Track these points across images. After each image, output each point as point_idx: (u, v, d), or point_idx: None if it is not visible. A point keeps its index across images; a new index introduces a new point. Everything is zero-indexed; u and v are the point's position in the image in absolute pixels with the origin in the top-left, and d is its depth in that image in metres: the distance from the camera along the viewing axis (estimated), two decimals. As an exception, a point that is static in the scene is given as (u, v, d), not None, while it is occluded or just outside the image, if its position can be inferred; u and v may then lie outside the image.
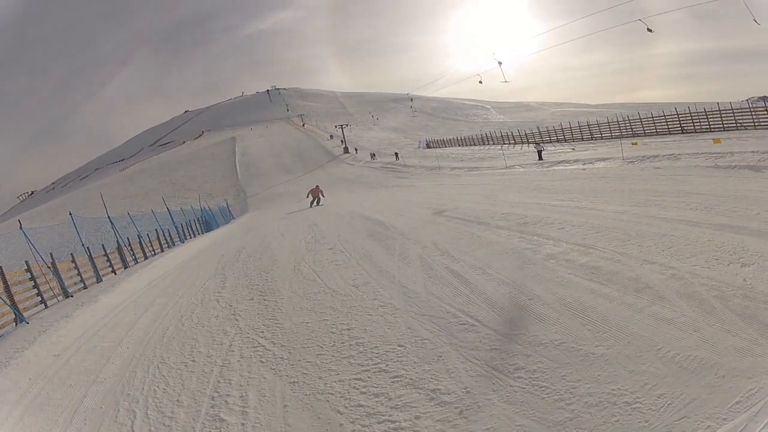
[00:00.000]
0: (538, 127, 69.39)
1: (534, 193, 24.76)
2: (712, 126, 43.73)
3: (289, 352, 9.67)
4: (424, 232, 18.80)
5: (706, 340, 7.67)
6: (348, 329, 10.24)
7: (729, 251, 11.01)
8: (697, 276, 9.99)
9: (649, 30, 45.30)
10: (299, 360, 9.25)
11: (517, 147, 62.41)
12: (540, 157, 44.53)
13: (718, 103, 45.28)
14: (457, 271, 12.79)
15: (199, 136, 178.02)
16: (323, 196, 45.79)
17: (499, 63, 41.06)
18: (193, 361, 10.05)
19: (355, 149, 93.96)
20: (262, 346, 10.22)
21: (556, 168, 34.70)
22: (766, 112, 37.53)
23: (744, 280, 9.51)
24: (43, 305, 16.82)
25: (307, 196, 46.26)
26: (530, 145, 61.37)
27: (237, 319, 12.22)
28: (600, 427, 6.20)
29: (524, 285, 11.02)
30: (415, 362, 8.38)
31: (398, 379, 7.98)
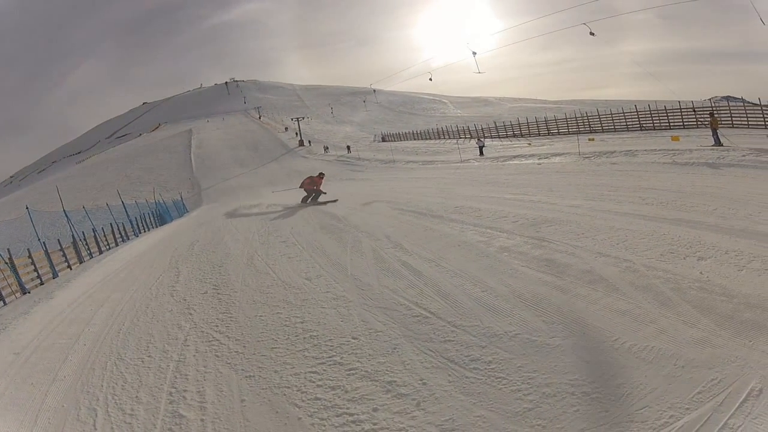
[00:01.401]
0: (495, 122, 69.88)
1: (488, 187, 24.89)
2: (672, 124, 44.64)
3: (244, 346, 9.59)
4: (377, 224, 18.68)
5: (663, 331, 7.79)
6: (302, 322, 10.21)
7: (685, 245, 11.22)
8: (653, 269, 10.16)
9: (592, 34, 46.10)
10: (254, 354, 9.18)
11: (474, 141, 62.90)
12: (481, 153, 44.75)
13: (679, 101, 46.21)
14: (410, 263, 12.80)
15: (156, 128, 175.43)
16: (323, 191, 31.07)
17: (474, 53, 41.33)
18: (149, 356, 9.92)
19: (309, 141, 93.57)
20: (217, 340, 10.12)
21: (511, 162, 34.93)
22: (728, 111, 38.47)
23: (701, 273, 9.69)
24: (1, 302, 16.46)
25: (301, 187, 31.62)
26: (470, 140, 61.82)
27: (191, 313, 12.10)
28: (560, 417, 6.24)
29: (477, 277, 11.09)
30: (370, 354, 8.39)
31: (354, 371, 7.99)
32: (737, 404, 5.99)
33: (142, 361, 9.71)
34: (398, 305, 10.20)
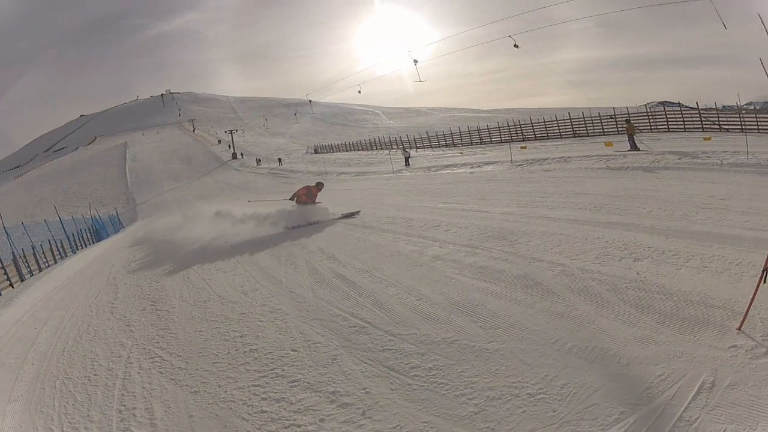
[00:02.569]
0: (427, 132, 70.50)
1: (420, 196, 24.98)
2: (606, 130, 45.50)
3: (186, 362, 9.49)
4: (309, 236, 18.60)
5: (602, 331, 7.92)
6: (240, 336, 10.14)
7: (620, 247, 11.48)
8: (588, 271, 10.37)
9: (516, 46, 47.00)
10: (197, 369, 9.10)
11: (400, 152, 63.29)
12: (407, 164, 44.94)
13: (614, 108, 47.34)
14: (344, 274, 12.78)
15: (92, 141, 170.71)
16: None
17: (415, 61, 41.48)
18: (95, 374, 9.84)
19: (241, 154, 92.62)
20: (159, 356, 10.00)
21: (443, 172, 35.15)
22: (663, 116, 39.66)
23: (637, 273, 9.93)
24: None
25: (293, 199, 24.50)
26: (397, 150, 62.19)
27: (132, 330, 11.94)
28: (507, 419, 6.26)
29: (412, 286, 11.15)
30: (310, 366, 8.38)
31: (296, 383, 7.97)
32: (690, 397, 6.12)
33: (89, 380, 9.62)
34: (335, 316, 10.20)
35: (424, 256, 13.31)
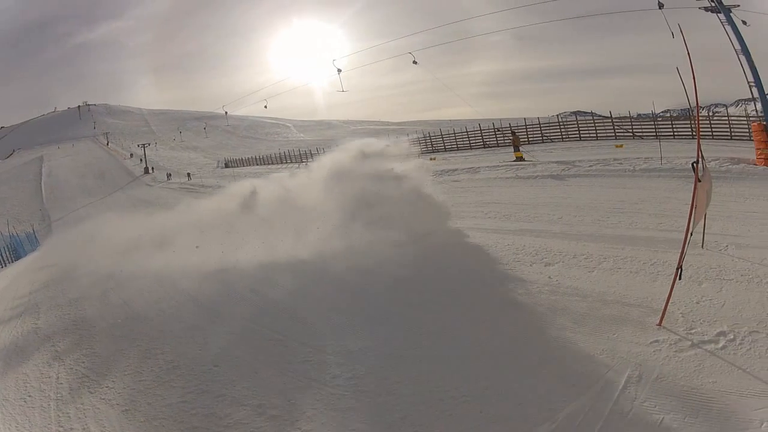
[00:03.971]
0: (337, 146, 70.39)
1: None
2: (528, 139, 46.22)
3: (113, 381, 9.25)
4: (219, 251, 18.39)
5: (519, 334, 8.19)
6: (162, 353, 9.90)
7: (531, 253, 11.79)
8: (500, 277, 10.67)
9: (415, 62, 47.47)
10: (124, 388, 8.90)
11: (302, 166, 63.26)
12: None
13: (525, 118, 48.29)
14: (257, 289, 12.65)
15: (11, 155, 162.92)
16: None
17: (339, 71, 40.99)
18: (30, 396, 9.56)
19: (152, 168, 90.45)
20: (87, 376, 9.71)
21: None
22: (575, 126, 40.72)
23: (549, 277, 10.25)
24: None
25: None
26: (302, 164, 62.07)
27: (57, 350, 11.52)
28: (435, 423, 6.35)
29: (323, 298, 11.17)
30: (233, 380, 8.28)
31: (222, 398, 7.89)
32: (618, 391, 6.38)
33: (25, 402, 9.39)
34: (251, 331, 10.13)
35: (335, 268, 13.24)
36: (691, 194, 8.38)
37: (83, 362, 10.48)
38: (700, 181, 8.42)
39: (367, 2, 37.21)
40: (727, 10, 27.13)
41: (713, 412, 6.12)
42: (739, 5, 27.10)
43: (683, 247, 8.34)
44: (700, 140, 8.78)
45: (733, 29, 27.02)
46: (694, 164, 8.31)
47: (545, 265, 10.98)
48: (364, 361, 8.14)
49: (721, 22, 27.28)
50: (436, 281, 11.02)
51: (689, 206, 8.41)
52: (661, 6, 27.72)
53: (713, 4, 27.29)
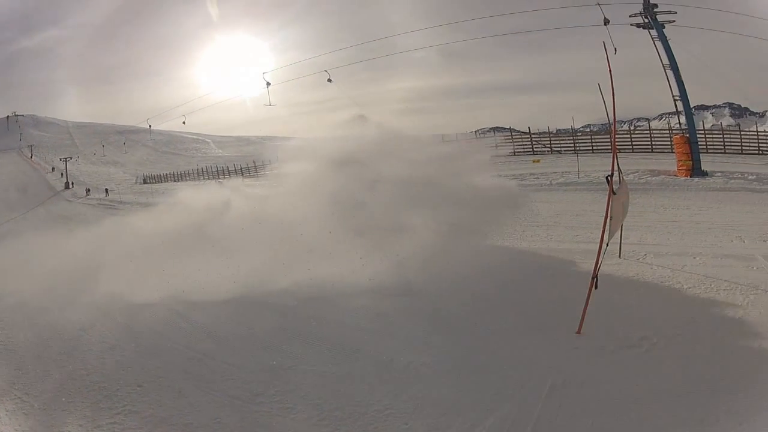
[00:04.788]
0: (254, 162, 70.08)
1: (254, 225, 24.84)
2: None
3: (45, 402, 8.95)
4: (136, 267, 18.13)
5: (437, 347, 8.43)
6: (87, 374, 9.59)
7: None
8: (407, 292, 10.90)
9: (329, 80, 47.65)
10: (55, 409, 8.63)
11: (233, 181, 62.89)
12: None
13: (442, 135, 48.73)
14: (173, 307, 12.52)
15: None
16: None
17: (268, 84, 40.47)
18: None
19: (72, 183, 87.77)
20: (20, 398, 9.34)
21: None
22: (493, 141, 41.47)
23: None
24: None
25: None
26: (222, 180, 61.47)
27: None
28: (361, 437, 6.33)
29: (243, 315, 11.17)
30: (158, 400, 8.14)
31: (150, 418, 7.77)
32: (543, 397, 6.56)
33: None
34: (172, 350, 9.98)
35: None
36: (608, 207, 8.72)
37: (14, 384, 10.13)
38: (615, 193, 8.76)
39: (294, 17, 36.85)
40: (660, 26, 27.97)
41: (645, 413, 6.39)
42: (674, 21, 28.00)
43: (598, 257, 8.70)
44: (616, 154, 9.12)
45: (663, 44, 27.91)
46: (608, 178, 8.64)
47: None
48: (286, 377, 8.18)
49: (652, 38, 28.16)
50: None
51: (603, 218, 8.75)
52: (606, 22, 28.45)
53: (646, 20, 28.13)
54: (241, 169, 66.41)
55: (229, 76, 41.28)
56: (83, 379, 9.56)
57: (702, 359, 7.71)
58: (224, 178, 61.38)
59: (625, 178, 11.42)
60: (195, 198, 22.85)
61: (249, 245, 14.25)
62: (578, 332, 8.43)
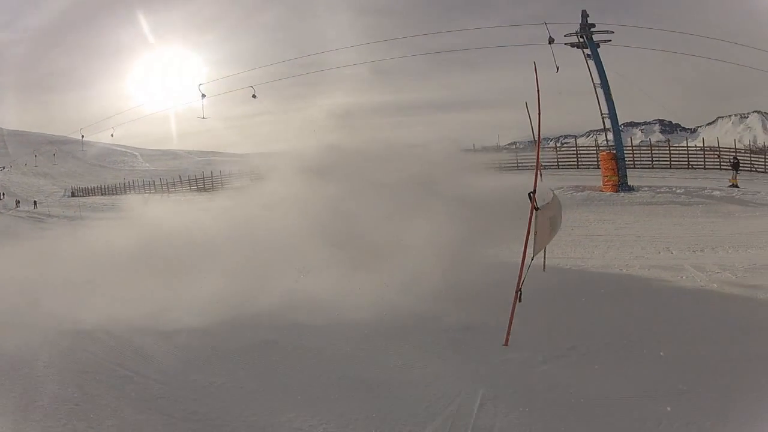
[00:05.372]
0: (180, 176, 69.23)
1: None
2: None
3: None
4: (57, 285, 17.78)
5: (364, 362, 8.65)
6: (24, 392, 9.25)
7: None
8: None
9: (254, 96, 47.37)
10: (2, 428, 8.23)
11: (160, 196, 62.04)
12: None
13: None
14: (109, 328, 12.35)
15: None
16: None
17: (203, 96, 39.70)
18: None
19: (3, 194, 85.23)
20: None
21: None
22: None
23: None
24: None
25: None
26: (170, 194, 60.87)
27: None
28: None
29: (164, 335, 11.04)
30: (96, 419, 7.95)
31: None
32: (476, 409, 6.74)
33: None
34: (103, 368, 9.82)
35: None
36: (531, 222, 8.98)
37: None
38: (537, 209, 9.03)
39: (229, 32, 36.64)
40: (594, 45, 28.59)
41: (580, 419, 6.65)
42: (610, 40, 28.65)
43: (521, 271, 8.98)
44: (540, 170, 9.37)
45: (596, 63, 28.57)
46: (531, 194, 8.90)
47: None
48: (218, 395, 8.20)
49: (585, 57, 28.77)
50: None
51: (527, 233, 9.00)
52: (551, 41, 28.93)
53: (581, 40, 28.72)
54: (186, 180, 65.31)
55: (161, 89, 40.66)
56: (21, 396, 9.51)
57: (633, 366, 8.05)
58: (151, 192, 60.43)
59: (557, 194, 11.66)
60: (147, 214, 22.55)
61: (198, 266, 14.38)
62: (505, 344, 8.65)
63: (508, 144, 36.96)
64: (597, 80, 28.77)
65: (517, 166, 32.26)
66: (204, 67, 38.04)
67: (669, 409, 6.79)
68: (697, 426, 6.52)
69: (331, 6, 36.37)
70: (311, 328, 10.13)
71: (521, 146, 38.71)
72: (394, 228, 12.61)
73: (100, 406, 8.42)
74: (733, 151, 34.76)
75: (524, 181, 10.98)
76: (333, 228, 13.53)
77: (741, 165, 31.99)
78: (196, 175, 67.43)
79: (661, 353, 8.43)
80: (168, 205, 45.33)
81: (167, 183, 67.99)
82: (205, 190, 62.34)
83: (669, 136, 42.87)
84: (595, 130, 33.38)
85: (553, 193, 11.41)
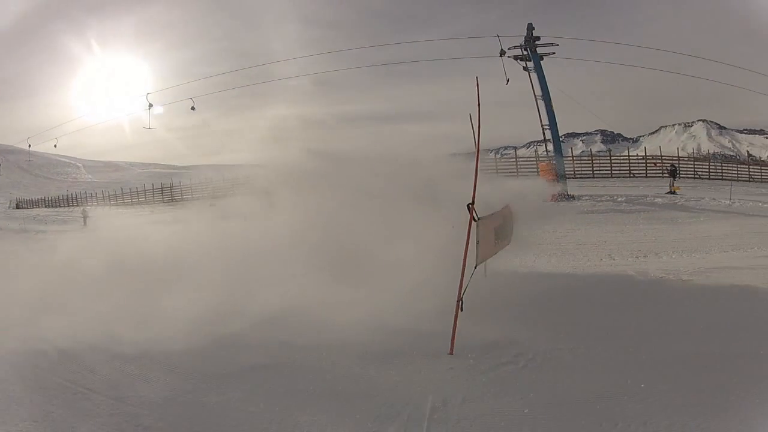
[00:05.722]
0: (122, 188, 68.31)
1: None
2: None
3: None
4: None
5: (305, 374, 8.71)
6: None
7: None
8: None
9: (192, 108, 47.11)
10: None
11: (102, 209, 61.07)
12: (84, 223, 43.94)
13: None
14: (58, 344, 12.20)
15: None
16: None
17: (150, 105, 38.98)
18: None
19: None
20: None
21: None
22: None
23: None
24: None
25: None
26: (111, 207, 60.18)
27: None
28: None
29: (116, 353, 10.80)
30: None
31: None
32: (426, 417, 6.90)
33: None
34: (58, 385, 9.69)
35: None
36: (475, 232, 9.24)
37: None
38: (477, 220, 9.34)
39: (177, 41, 36.28)
40: (538, 58, 29.00)
41: (531, 424, 6.83)
42: (554, 53, 29.07)
43: (461, 280, 9.21)
44: (476, 182, 9.50)
45: (539, 76, 29.00)
46: (469, 206, 9.20)
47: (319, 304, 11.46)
48: (170, 410, 8.20)
49: (527, 70, 29.18)
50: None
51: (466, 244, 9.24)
52: (502, 53, 29.19)
53: (525, 53, 29.10)
54: (109, 196, 64.38)
55: (106, 98, 40.05)
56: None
57: (581, 370, 8.29)
58: (94, 205, 59.48)
59: (510, 206, 11.80)
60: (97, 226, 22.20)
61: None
62: (450, 353, 8.84)
63: (449, 155, 37.40)
64: (539, 92, 29.28)
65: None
66: (150, 76, 37.58)
67: (624, 409, 7.02)
68: (654, 425, 6.73)
69: (280, 18, 36.32)
70: (252, 346, 10.17)
71: (460, 158, 39.12)
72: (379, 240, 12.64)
73: (57, 423, 8.45)
74: (675, 160, 35.65)
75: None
76: (319, 239, 13.62)
77: (684, 173, 32.84)
78: (137, 188, 66.56)
79: (609, 356, 8.73)
80: (116, 218, 44.84)
81: (109, 195, 67.08)
82: (146, 202, 61.58)
83: (610, 146, 43.73)
84: (535, 141, 33.90)
85: (507, 206, 11.66)
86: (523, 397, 7.46)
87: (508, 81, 28.50)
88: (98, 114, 40.45)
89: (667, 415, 6.86)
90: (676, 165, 32.26)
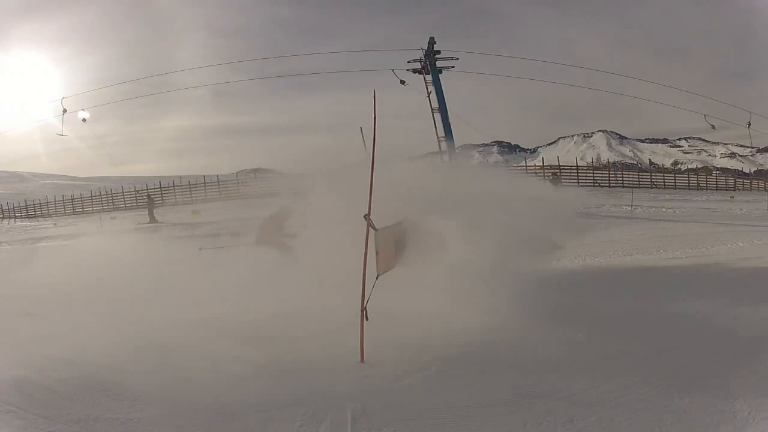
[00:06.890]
0: (26, 200, 66.31)
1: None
2: (194, 198, 48.40)
3: None
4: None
5: (221, 386, 8.89)
6: None
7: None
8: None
9: (84, 120, 46.29)
10: None
11: (6, 222, 59.05)
12: None
13: (204, 176, 48.75)
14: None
15: None
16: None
17: (64, 110, 37.46)
18: None
19: None
20: None
21: (40, 245, 33.83)
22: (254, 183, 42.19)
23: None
24: None
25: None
26: (16, 220, 58.44)
27: None
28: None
29: (38, 369, 10.70)
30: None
31: None
32: (349, 425, 7.30)
33: None
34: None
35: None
36: (372, 241, 9.74)
37: None
38: (376, 229, 9.75)
39: (85, 47, 35.70)
40: (436, 71, 29.69)
41: (459, 426, 7.23)
42: (453, 66, 29.80)
43: (363, 290, 9.61)
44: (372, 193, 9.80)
45: (436, 89, 29.72)
46: (366, 216, 9.60)
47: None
48: (100, 428, 8.34)
49: (426, 83, 29.87)
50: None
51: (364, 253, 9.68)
52: (402, 82, 29.66)
53: (422, 66, 29.79)
54: (13, 209, 62.34)
55: (11, 105, 38.89)
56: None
57: (497, 374, 8.77)
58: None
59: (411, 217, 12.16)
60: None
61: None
62: (362, 361, 9.28)
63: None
64: (435, 105, 30.00)
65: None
66: (59, 83, 36.82)
67: (548, 408, 7.48)
68: (581, 422, 7.16)
69: (187, 25, 36.27)
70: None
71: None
72: None
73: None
74: (574, 169, 36.96)
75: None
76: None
77: (583, 181, 34.18)
78: (40, 200, 64.71)
79: (523, 359, 9.24)
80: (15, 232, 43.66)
81: (13, 208, 64.92)
82: (48, 215, 59.96)
83: (508, 157, 44.99)
84: (432, 153, 34.67)
85: (408, 219, 11.95)
86: (442, 399, 7.86)
87: (403, 81, 29.19)
88: (3, 122, 39.30)
89: (594, 413, 7.35)
90: (557, 173, 33.56)
